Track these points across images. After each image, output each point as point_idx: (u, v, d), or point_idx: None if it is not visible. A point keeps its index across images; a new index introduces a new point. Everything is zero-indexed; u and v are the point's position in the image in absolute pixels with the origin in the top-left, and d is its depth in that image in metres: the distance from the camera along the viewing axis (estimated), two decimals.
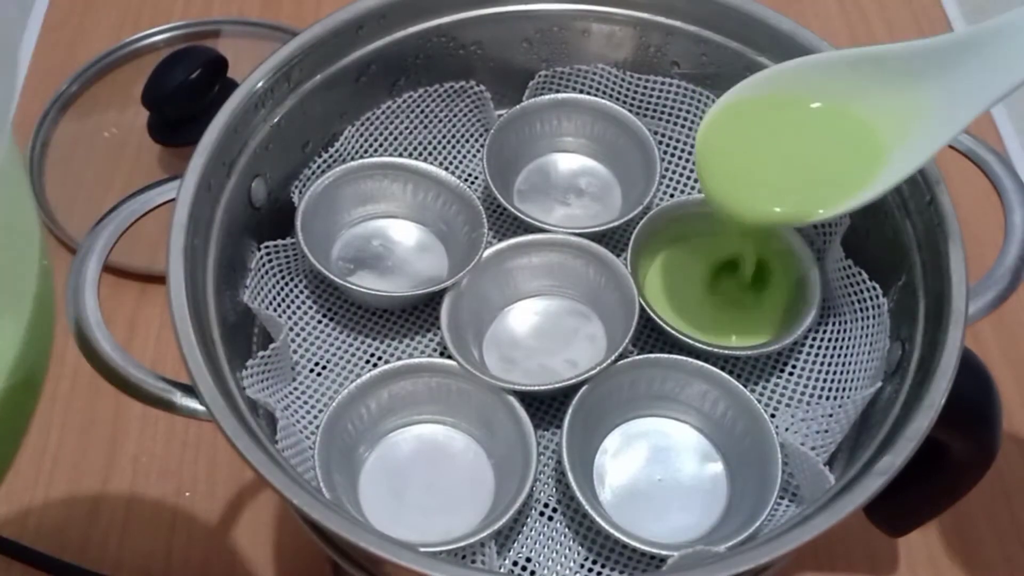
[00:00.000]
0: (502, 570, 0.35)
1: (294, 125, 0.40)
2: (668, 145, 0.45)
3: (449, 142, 0.45)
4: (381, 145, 0.43)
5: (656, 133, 0.44)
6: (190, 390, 0.34)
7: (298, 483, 0.30)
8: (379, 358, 0.40)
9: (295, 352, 0.40)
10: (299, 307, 0.41)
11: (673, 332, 0.38)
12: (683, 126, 0.44)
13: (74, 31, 0.71)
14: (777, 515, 0.35)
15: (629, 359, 0.37)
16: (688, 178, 0.44)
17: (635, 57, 0.44)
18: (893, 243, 0.38)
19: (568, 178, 0.45)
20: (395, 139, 0.44)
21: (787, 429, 0.37)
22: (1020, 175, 0.39)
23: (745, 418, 0.36)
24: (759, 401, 0.37)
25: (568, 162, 0.45)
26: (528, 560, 0.35)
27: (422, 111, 0.44)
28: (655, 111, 0.44)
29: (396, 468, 0.37)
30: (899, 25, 0.73)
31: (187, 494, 0.52)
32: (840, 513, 0.30)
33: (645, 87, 0.44)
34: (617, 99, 0.44)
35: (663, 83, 0.44)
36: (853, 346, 0.38)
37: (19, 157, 0.23)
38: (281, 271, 0.40)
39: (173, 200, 0.35)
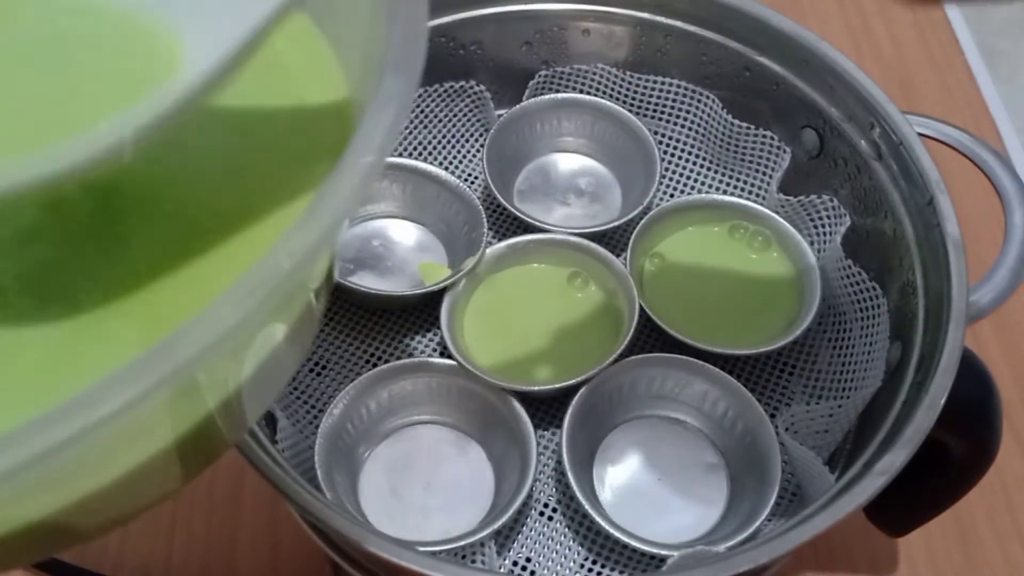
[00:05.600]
0: (502, 570, 0.35)
1: None
2: (668, 145, 0.45)
3: (449, 142, 0.45)
4: None
5: (656, 133, 0.44)
6: None
7: (298, 483, 0.30)
8: (379, 358, 0.40)
9: None
10: None
11: (673, 332, 0.38)
12: (683, 126, 0.44)
13: None
14: (777, 515, 0.35)
15: (629, 359, 0.37)
16: (688, 178, 0.44)
17: (635, 57, 0.44)
18: (893, 243, 0.38)
19: (568, 178, 0.45)
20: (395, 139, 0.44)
21: (787, 429, 0.37)
22: (1020, 175, 0.39)
23: (745, 418, 0.36)
24: (759, 401, 0.37)
25: (568, 162, 0.45)
26: (528, 560, 0.35)
27: (422, 111, 0.44)
28: (655, 111, 0.44)
29: (396, 468, 0.37)
30: (899, 25, 0.73)
31: (187, 494, 0.52)
32: (840, 513, 0.30)
33: (645, 87, 0.44)
34: (617, 99, 0.44)
35: (663, 83, 0.44)
36: (853, 346, 0.38)
37: None
38: None
39: None
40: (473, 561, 0.34)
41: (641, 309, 0.38)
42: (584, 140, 0.45)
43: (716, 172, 0.44)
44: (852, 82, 0.38)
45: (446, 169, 0.42)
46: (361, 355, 0.40)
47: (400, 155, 0.43)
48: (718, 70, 0.42)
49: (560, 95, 0.44)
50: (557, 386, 0.36)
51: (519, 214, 0.41)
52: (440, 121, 0.44)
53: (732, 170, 0.44)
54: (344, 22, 0.23)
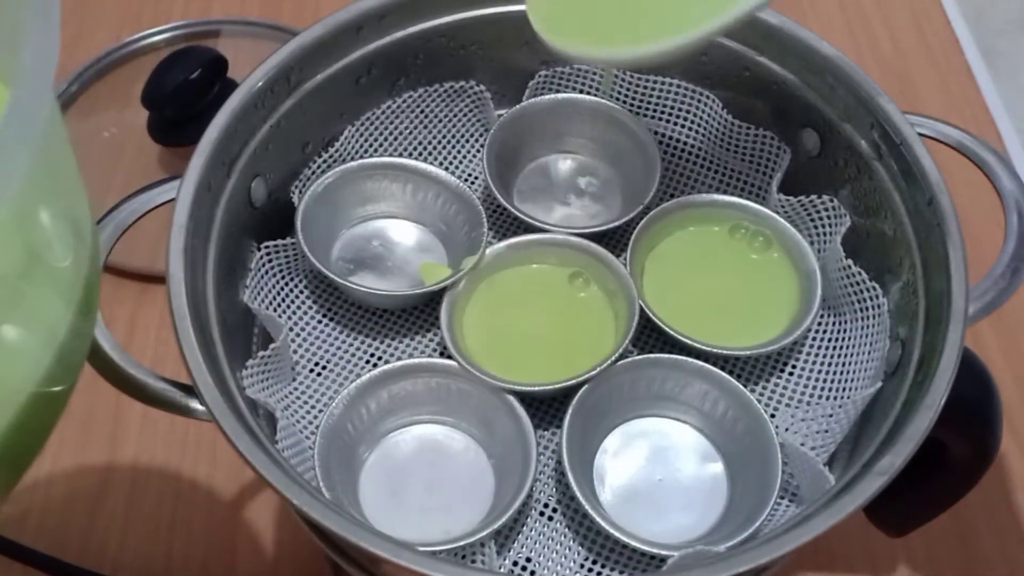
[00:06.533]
0: (502, 570, 0.35)
1: (294, 125, 0.40)
2: (668, 145, 0.45)
3: (449, 142, 0.45)
4: (381, 145, 0.43)
5: (656, 133, 0.44)
6: (190, 390, 0.34)
7: (298, 483, 0.30)
8: (379, 358, 0.40)
9: (295, 352, 0.40)
10: (299, 307, 0.41)
11: (673, 332, 0.38)
12: (683, 126, 0.44)
13: (74, 31, 0.71)
14: (777, 515, 0.35)
15: (629, 359, 0.37)
16: (688, 178, 0.44)
17: None
18: (893, 243, 0.38)
19: (568, 178, 0.45)
20: (395, 139, 0.44)
21: (787, 429, 0.37)
22: (1020, 175, 0.39)
23: (745, 418, 0.36)
24: (759, 401, 0.37)
25: (568, 162, 0.45)
26: (528, 560, 0.35)
27: (422, 111, 0.44)
28: (655, 111, 0.44)
29: (396, 468, 0.37)
30: (899, 25, 0.73)
31: (187, 494, 0.52)
32: (840, 513, 0.30)
33: (645, 87, 0.44)
34: (617, 99, 0.44)
35: (663, 83, 0.44)
36: (853, 346, 0.38)
37: (61, 121, 0.24)
38: (281, 271, 0.40)
39: (173, 200, 0.35)
40: (473, 561, 0.34)
41: (641, 309, 0.38)
42: (584, 140, 0.45)
43: (716, 172, 0.44)
44: (852, 82, 0.38)
45: (446, 169, 0.42)
46: (361, 355, 0.40)
47: (400, 155, 0.43)
48: (718, 70, 0.42)
49: (560, 95, 0.44)
50: (557, 386, 0.36)
51: (519, 214, 0.41)
52: (440, 121, 0.44)
53: (732, 170, 0.44)
54: None
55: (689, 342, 0.37)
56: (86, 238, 0.25)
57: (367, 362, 0.40)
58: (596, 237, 0.40)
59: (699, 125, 0.44)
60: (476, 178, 0.45)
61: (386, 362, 0.39)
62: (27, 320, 0.23)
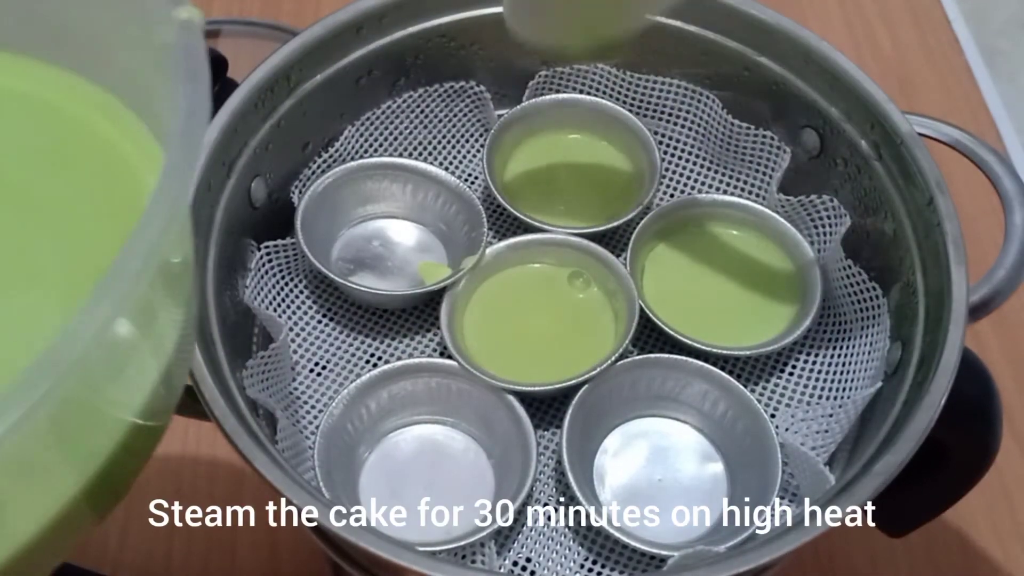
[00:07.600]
0: (502, 570, 0.35)
1: (294, 125, 0.40)
2: (668, 145, 0.45)
3: (449, 142, 0.45)
4: (381, 145, 0.43)
5: (656, 133, 0.44)
6: (190, 390, 0.34)
7: (298, 483, 0.30)
8: (379, 358, 0.40)
9: (295, 352, 0.40)
10: (299, 307, 0.41)
11: (673, 332, 0.38)
12: (683, 126, 0.44)
13: None
14: (777, 515, 0.35)
15: (629, 359, 0.37)
16: (688, 178, 0.44)
17: (635, 57, 0.44)
18: (893, 243, 0.38)
19: None
20: (395, 139, 0.44)
21: (787, 429, 0.37)
22: (1020, 175, 0.39)
23: (745, 418, 0.36)
24: (759, 401, 0.37)
25: None
26: (528, 560, 0.35)
27: (422, 111, 0.44)
28: (655, 111, 0.44)
29: (396, 468, 0.37)
30: (899, 25, 0.73)
31: (187, 494, 0.52)
32: (840, 513, 0.30)
33: (645, 87, 0.44)
34: (617, 99, 0.44)
35: (663, 83, 0.44)
36: (853, 346, 0.38)
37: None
38: (281, 271, 0.40)
39: None
40: (473, 561, 0.34)
41: (641, 309, 0.38)
42: None
43: (716, 172, 0.44)
44: (852, 82, 0.38)
45: (446, 169, 0.42)
46: (361, 355, 0.40)
47: (400, 155, 0.43)
48: (718, 70, 0.42)
49: (560, 95, 0.44)
50: (557, 386, 0.36)
51: (519, 214, 0.41)
52: (440, 121, 0.44)
53: (732, 170, 0.44)
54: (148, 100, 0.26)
55: (689, 342, 0.37)
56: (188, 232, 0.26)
57: (367, 362, 0.40)
58: (596, 237, 0.40)
59: (699, 125, 0.44)
60: (476, 178, 0.45)
61: (386, 362, 0.39)
62: (150, 327, 0.23)
